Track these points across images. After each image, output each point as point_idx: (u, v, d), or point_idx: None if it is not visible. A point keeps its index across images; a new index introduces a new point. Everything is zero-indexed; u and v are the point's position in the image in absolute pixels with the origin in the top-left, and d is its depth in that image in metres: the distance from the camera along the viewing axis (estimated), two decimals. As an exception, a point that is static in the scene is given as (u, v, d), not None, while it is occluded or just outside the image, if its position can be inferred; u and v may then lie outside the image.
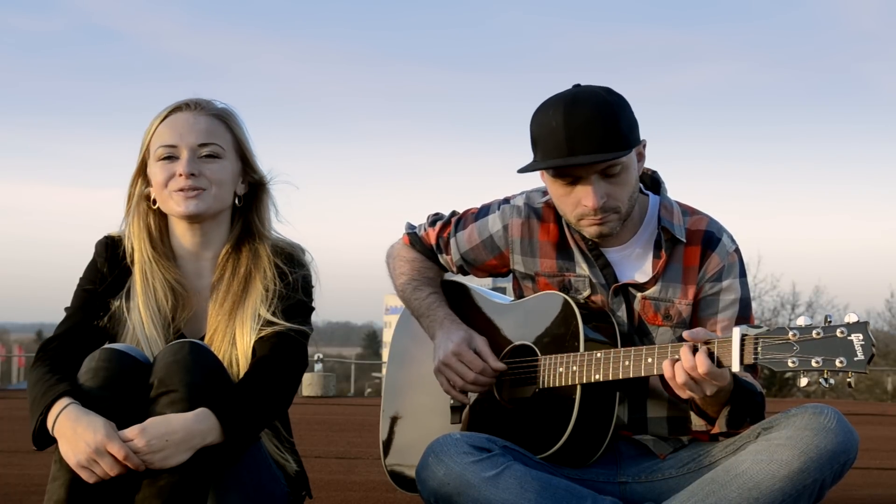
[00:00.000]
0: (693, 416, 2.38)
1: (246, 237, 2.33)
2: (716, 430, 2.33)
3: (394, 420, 2.76)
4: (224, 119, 2.31)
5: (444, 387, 2.50)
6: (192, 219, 2.27)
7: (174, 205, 2.25)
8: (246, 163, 2.33)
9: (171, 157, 2.25)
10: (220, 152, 2.27)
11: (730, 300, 2.42)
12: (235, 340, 2.22)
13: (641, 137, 2.37)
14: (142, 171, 2.31)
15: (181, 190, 2.23)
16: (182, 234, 2.32)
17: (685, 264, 2.42)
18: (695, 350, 2.12)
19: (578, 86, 2.36)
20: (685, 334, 2.15)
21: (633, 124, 2.33)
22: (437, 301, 2.61)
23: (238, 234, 2.33)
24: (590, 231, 2.36)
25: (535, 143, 2.35)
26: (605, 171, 2.29)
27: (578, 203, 2.32)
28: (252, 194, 2.36)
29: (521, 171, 2.36)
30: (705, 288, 2.42)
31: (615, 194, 2.32)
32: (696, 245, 2.43)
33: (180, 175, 2.23)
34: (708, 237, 2.43)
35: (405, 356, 2.80)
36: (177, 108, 2.29)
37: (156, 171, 2.26)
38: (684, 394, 2.17)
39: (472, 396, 2.51)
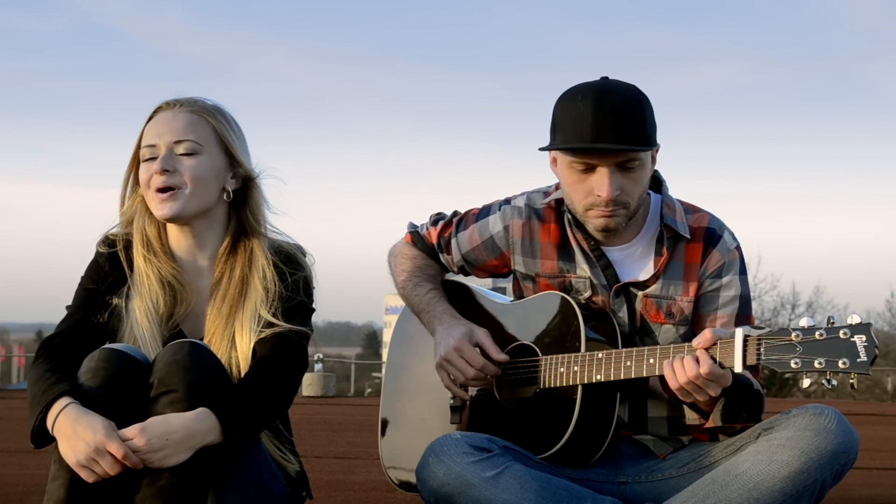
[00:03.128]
0: (686, 410, 2.39)
1: (241, 235, 2.32)
2: (710, 423, 2.32)
3: (393, 420, 2.76)
4: (203, 114, 2.29)
5: (444, 382, 2.50)
6: (175, 220, 2.26)
7: (154, 208, 2.25)
8: (231, 157, 2.31)
9: (152, 158, 2.25)
10: (197, 148, 2.25)
11: (730, 297, 2.42)
12: (235, 342, 2.22)
13: (657, 141, 2.38)
14: (134, 169, 2.31)
15: (158, 191, 2.23)
16: (176, 237, 2.31)
17: (686, 261, 2.42)
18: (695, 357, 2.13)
19: (607, 78, 2.37)
20: (695, 343, 2.15)
21: (654, 125, 2.35)
22: (437, 297, 2.60)
23: (234, 232, 2.32)
24: (596, 223, 2.36)
25: (557, 127, 2.35)
26: (624, 163, 2.29)
27: (591, 192, 2.32)
28: (243, 190, 2.35)
29: (542, 149, 2.37)
30: (705, 284, 2.42)
31: (628, 189, 2.32)
32: (697, 242, 2.43)
33: (155, 172, 2.23)
34: (710, 234, 2.43)
35: (405, 356, 2.80)
36: (159, 108, 2.30)
37: (141, 172, 2.27)
38: (688, 398, 2.17)
39: (473, 393, 2.51)
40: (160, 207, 2.23)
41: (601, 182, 2.30)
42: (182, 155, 2.24)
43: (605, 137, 2.25)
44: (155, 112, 2.29)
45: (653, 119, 2.34)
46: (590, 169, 2.31)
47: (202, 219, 2.29)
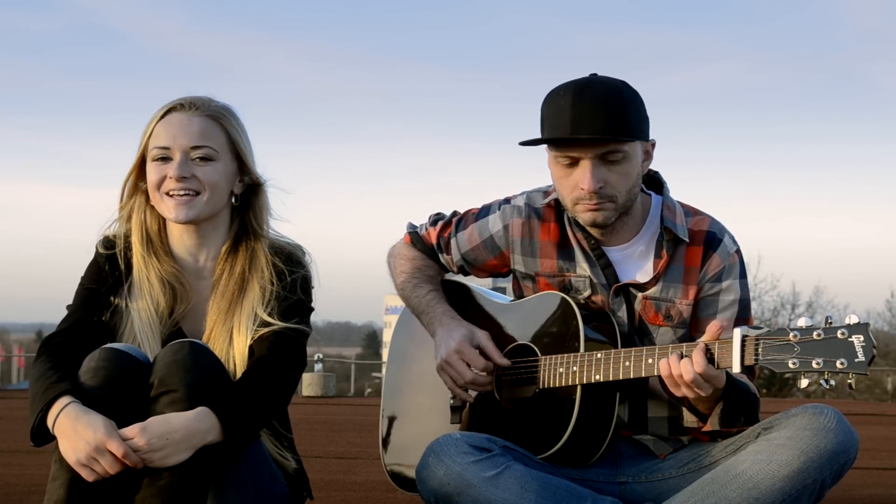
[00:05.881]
0: (685, 412, 2.39)
1: (243, 237, 2.33)
2: (707, 427, 2.33)
3: (393, 420, 2.76)
4: (219, 119, 2.28)
5: (447, 385, 2.50)
6: (188, 223, 2.27)
7: (166, 210, 2.25)
8: (242, 163, 2.32)
9: (164, 159, 2.24)
10: (213, 154, 2.25)
11: (729, 301, 2.42)
12: (232, 339, 2.22)
13: (651, 137, 2.38)
14: (138, 168, 2.30)
15: (173, 194, 2.23)
16: (178, 237, 2.32)
17: (686, 264, 2.42)
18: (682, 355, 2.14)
19: (595, 75, 2.37)
20: (704, 339, 2.15)
21: (642, 118, 2.34)
22: (437, 298, 2.60)
23: (236, 233, 2.33)
24: (584, 217, 2.36)
25: (542, 122, 2.37)
26: (606, 156, 2.29)
27: (576, 186, 2.33)
28: (248, 194, 2.35)
29: (523, 143, 2.38)
30: (705, 288, 2.42)
31: (613, 182, 2.32)
32: (697, 245, 2.43)
33: (171, 178, 2.23)
34: (710, 238, 2.43)
35: (405, 355, 2.80)
36: (172, 108, 2.28)
37: (150, 171, 2.26)
38: (679, 392, 2.17)
39: (475, 394, 2.51)
40: (174, 210, 2.24)
41: (583, 174, 2.30)
42: (197, 160, 2.24)
43: (583, 129, 2.27)
44: (168, 112, 2.27)
45: (639, 112, 2.33)
46: (574, 163, 2.32)
47: (208, 221, 2.29)
